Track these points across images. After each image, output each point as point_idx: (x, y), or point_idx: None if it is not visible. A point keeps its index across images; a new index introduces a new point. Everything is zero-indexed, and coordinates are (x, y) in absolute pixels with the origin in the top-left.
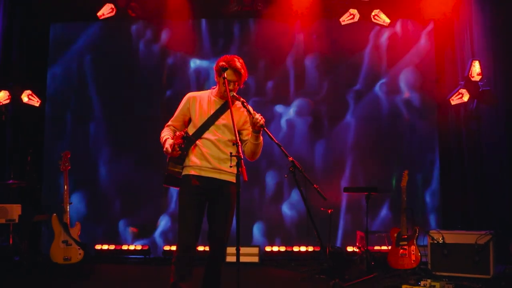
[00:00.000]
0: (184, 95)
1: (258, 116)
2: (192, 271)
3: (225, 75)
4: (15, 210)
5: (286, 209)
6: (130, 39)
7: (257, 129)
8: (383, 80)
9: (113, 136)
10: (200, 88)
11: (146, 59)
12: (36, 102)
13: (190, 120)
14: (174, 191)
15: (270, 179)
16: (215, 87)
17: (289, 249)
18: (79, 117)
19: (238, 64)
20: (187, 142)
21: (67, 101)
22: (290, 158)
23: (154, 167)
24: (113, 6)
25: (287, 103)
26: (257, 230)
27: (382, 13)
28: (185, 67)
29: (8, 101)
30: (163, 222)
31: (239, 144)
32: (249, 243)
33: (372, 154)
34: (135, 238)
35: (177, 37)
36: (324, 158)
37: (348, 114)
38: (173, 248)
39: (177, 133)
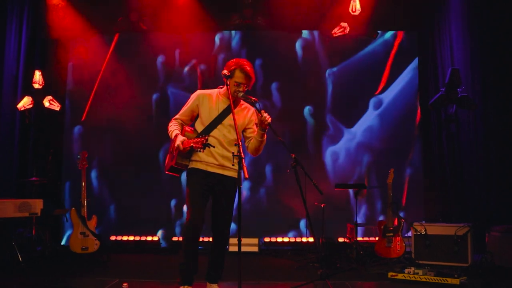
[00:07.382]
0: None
1: (266, 115)
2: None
3: (235, 78)
4: (37, 205)
5: (284, 202)
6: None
7: (264, 127)
8: (371, 84)
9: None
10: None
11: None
12: (56, 106)
13: (197, 116)
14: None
15: (269, 174)
16: (222, 86)
17: (286, 240)
18: (97, 119)
19: (248, 68)
20: (204, 148)
21: (85, 105)
22: (293, 155)
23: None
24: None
25: None
26: (257, 222)
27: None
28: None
29: (31, 105)
30: (174, 214)
31: (240, 144)
32: (249, 234)
33: (363, 154)
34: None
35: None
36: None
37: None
38: (181, 239)
39: (200, 138)
